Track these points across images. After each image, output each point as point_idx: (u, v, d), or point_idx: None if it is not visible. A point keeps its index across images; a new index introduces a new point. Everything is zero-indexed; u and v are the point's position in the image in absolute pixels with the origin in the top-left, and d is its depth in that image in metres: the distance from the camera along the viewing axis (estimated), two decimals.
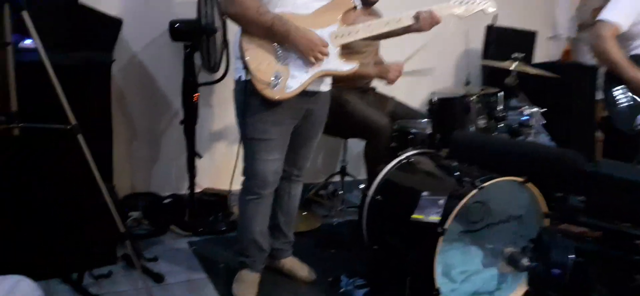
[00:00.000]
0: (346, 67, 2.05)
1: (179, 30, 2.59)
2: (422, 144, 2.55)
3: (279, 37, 1.94)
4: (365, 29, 2.04)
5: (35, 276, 1.30)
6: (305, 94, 2.04)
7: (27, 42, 2.00)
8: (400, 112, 2.88)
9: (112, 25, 2.41)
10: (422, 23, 2.03)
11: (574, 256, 0.49)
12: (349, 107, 2.72)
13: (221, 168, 3.13)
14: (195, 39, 2.63)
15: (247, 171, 2.15)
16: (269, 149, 2.06)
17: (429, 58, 3.61)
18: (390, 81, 2.80)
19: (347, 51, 2.67)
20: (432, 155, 2.43)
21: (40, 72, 1.84)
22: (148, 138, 3.03)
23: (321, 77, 2.04)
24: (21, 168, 2.03)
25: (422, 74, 3.01)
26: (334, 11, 2.03)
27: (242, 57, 1.94)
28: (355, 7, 2.08)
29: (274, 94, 1.94)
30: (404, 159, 2.35)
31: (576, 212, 0.49)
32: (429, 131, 2.57)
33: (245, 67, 1.94)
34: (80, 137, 1.94)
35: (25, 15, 1.75)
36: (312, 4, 2.00)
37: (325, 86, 2.15)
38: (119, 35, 2.44)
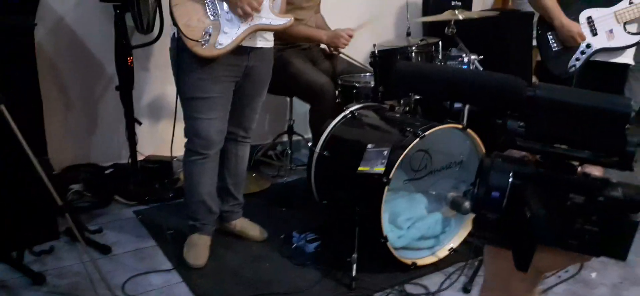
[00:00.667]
0: (280, 21, 2.00)
1: None
2: (366, 98, 2.56)
3: None
4: None
5: None
6: (243, 51, 1.99)
7: None
8: (344, 67, 2.87)
9: None
10: None
11: (511, 179, 0.53)
12: (292, 68, 2.68)
13: (163, 134, 3.03)
14: None
15: (189, 132, 2.09)
16: (210, 108, 2.01)
17: (368, 11, 3.60)
18: (341, 47, 2.76)
19: (290, 5, 2.63)
20: (375, 108, 2.46)
21: None
22: (84, 107, 2.88)
23: (255, 32, 1.98)
24: None
25: (369, 23, 2.98)
26: None
27: (171, 14, 1.87)
28: None
29: (204, 51, 1.88)
30: (349, 113, 2.37)
31: (514, 136, 0.52)
32: (372, 84, 2.59)
33: (175, 24, 1.87)
34: (3, 109, 1.82)
35: None
36: None
37: (265, 42, 2.10)
38: None
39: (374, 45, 2.48)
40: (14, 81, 2.00)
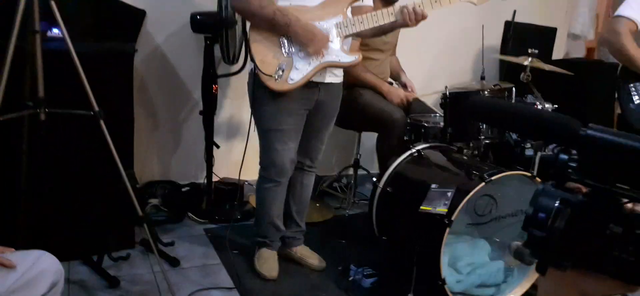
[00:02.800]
0: (348, 59, 2.08)
1: (200, 22, 2.68)
2: (434, 138, 2.58)
3: (281, 29, 1.99)
4: (363, 21, 2.04)
5: (57, 255, 1.37)
6: (314, 85, 2.10)
7: (55, 31, 2.09)
8: (414, 106, 2.91)
9: (135, 16, 2.49)
10: (404, 18, 2.02)
11: (558, 204, 0.61)
12: (362, 99, 2.76)
13: (238, 158, 3.19)
14: (216, 31, 2.70)
15: (263, 161, 2.22)
16: (283, 139, 2.13)
17: (445, 52, 3.63)
18: (394, 103, 2.79)
19: (366, 47, 2.73)
20: (443, 149, 2.46)
21: (66, 60, 1.94)
22: (169, 127, 3.11)
23: (325, 68, 2.08)
24: (47, 152, 2.13)
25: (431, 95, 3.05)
26: (339, 3, 2.06)
27: (249, 50, 2.01)
28: None
29: (277, 85, 2.01)
30: (415, 152, 2.39)
31: (565, 169, 0.59)
32: (441, 125, 2.60)
33: (252, 60, 2.01)
34: (102, 124, 2.03)
35: (53, 4, 1.85)
36: None
37: (334, 78, 2.18)
38: (142, 26, 2.52)
39: (446, 86, 2.50)
40: (111, 99, 2.19)
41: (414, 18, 2.02)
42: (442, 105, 2.55)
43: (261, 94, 2.08)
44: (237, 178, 3.11)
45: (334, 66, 2.12)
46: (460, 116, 2.50)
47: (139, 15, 2.53)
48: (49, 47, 1.99)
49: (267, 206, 2.27)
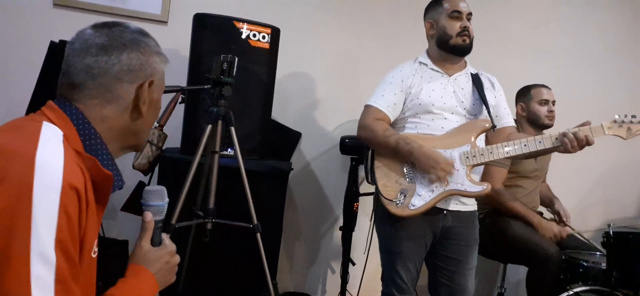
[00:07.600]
0: (475, 188, 1.99)
1: (348, 145, 2.84)
2: (595, 280, 2.32)
3: (404, 157, 2.02)
4: (492, 151, 1.98)
5: None
6: (439, 211, 2.04)
7: (229, 150, 2.35)
8: (569, 242, 2.68)
9: (293, 137, 2.71)
10: (567, 146, 1.89)
11: None
12: (511, 230, 2.61)
13: (373, 277, 3.16)
14: (361, 154, 2.83)
15: (384, 278, 2.18)
16: (404, 261, 2.08)
17: (602, 184, 3.36)
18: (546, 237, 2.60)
19: (514, 174, 2.64)
20: (607, 294, 2.20)
21: (233, 175, 2.15)
22: (309, 241, 3.22)
23: (449, 196, 2.02)
24: (204, 257, 2.31)
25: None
26: (468, 132, 2.04)
27: (373, 174, 2.06)
28: (492, 128, 2.05)
29: (397, 210, 2.00)
30: (573, 294, 2.17)
31: None
32: (603, 265, 2.34)
33: (375, 183, 2.05)
34: (258, 236, 2.17)
35: (232, 130, 2.11)
36: (446, 125, 2.06)
37: (461, 206, 2.09)
38: (297, 146, 2.73)
39: (609, 225, 2.29)
40: (264, 213, 2.35)
41: (578, 145, 1.89)
42: (604, 244, 2.32)
43: (383, 215, 2.09)
44: None
45: (459, 194, 2.04)
46: (626, 259, 2.24)
47: (296, 136, 2.75)
48: (220, 163, 2.22)
49: None
